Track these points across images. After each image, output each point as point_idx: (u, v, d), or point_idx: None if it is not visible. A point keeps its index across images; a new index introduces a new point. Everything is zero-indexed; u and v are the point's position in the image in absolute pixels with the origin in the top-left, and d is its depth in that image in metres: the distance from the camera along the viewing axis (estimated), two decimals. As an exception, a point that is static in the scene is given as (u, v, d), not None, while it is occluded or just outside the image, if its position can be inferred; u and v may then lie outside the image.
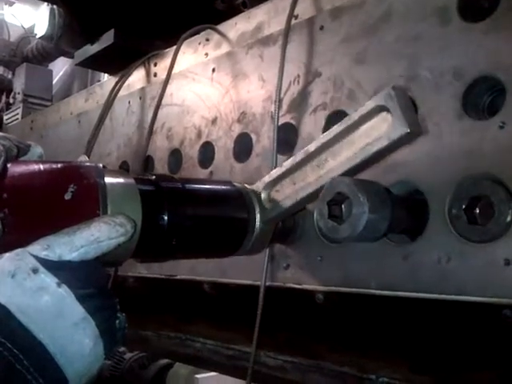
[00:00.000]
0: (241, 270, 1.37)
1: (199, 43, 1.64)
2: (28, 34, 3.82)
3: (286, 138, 1.28)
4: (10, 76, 3.48)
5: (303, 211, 1.21)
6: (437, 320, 1.03)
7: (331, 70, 1.21)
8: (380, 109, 0.88)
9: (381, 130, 0.88)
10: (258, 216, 1.08)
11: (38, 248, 0.71)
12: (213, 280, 1.45)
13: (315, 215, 0.93)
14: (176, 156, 1.64)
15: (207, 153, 1.52)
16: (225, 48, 1.54)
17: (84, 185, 0.79)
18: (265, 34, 1.39)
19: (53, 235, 0.73)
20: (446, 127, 0.96)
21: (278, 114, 1.28)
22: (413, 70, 1.02)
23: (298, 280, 1.22)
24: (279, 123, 1.29)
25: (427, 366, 1.07)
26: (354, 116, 0.92)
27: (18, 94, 3.12)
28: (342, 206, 0.92)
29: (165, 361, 4.37)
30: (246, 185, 1.12)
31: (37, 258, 0.70)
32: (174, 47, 1.72)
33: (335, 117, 1.17)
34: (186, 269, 1.54)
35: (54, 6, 2.74)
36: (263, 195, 1.09)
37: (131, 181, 0.90)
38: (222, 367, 1.72)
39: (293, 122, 1.28)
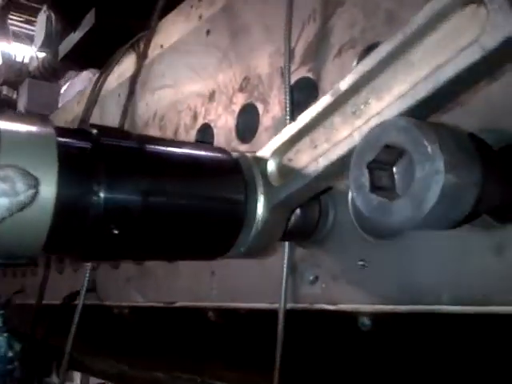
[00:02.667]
0: (253, 289, 1.00)
1: (191, 6, 1.31)
2: (33, 51, 3.57)
3: (304, 99, 0.91)
4: (15, 96, 3.25)
5: (332, 193, 0.83)
6: None
7: (359, -8, 0.84)
8: (464, 0, 0.50)
9: (465, 36, 0.50)
10: (261, 198, 0.71)
11: None
12: (218, 306, 1.07)
13: (350, 189, 0.56)
14: (170, 149, 1.29)
15: (206, 137, 1.16)
16: (220, 2, 1.19)
17: None
18: (267, -31, 1.04)
19: None
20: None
21: (290, 67, 0.92)
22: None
23: (331, 298, 0.84)
24: (292, 80, 0.93)
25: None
26: (414, 22, 0.54)
27: (21, 112, 2.88)
28: (394, 170, 0.54)
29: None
30: (247, 153, 0.76)
31: None
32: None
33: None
34: (186, 293, 1.18)
35: (51, 13, 2.50)
36: (270, 167, 0.72)
37: (48, 130, 0.56)
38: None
39: (311, 75, 0.92)
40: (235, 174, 0.72)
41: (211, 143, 1.14)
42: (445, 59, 0.51)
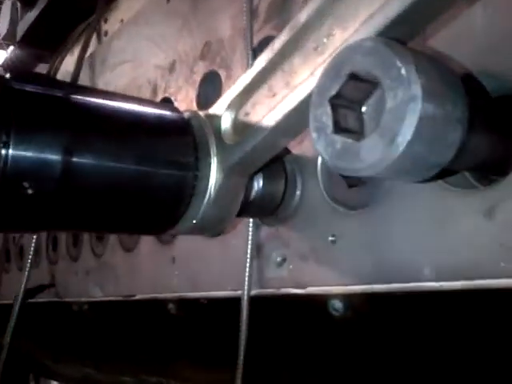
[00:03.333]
0: (215, 275, 0.90)
1: (152, -26, 1.20)
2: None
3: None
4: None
5: (300, 161, 0.74)
6: None
7: None
8: None
9: None
10: (214, 160, 0.61)
11: None
12: (178, 296, 0.97)
13: (312, 135, 0.46)
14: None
15: (165, 113, 1.06)
16: (182, -35, 1.09)
17: None
18: None
19: None
20: None
21: (251, 27, 0.83)
22: None
23: (299, 281, 0.74)
24: (255, 41, 0.83)
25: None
26: None
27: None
28: (364, 110, 0.45)
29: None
30: (200, 112, 0.66)
31: None
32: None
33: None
34: (146, 284, 1.07)
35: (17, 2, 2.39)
36: (224, 124, 0.62)
37: None
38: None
39: (275, 33, 0.82)
40: (183, 133, 0.62)
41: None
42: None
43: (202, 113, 0.66)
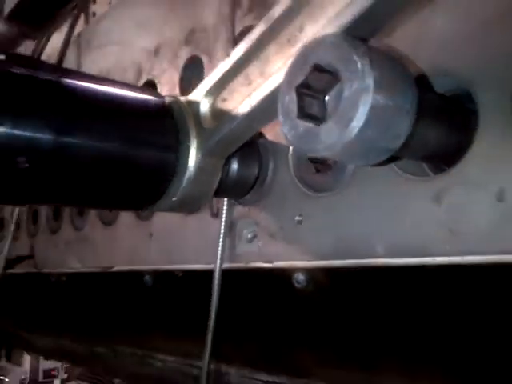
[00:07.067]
0: (191, 250, 0.95)
1: (141, -42, 1.24)
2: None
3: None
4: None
5: (273, 148, 0.79)
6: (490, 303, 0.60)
7: None
8: None
9: None
10: (193, 142, 0.67)
11: None
12: (154, 269, 1.02)
13: (279, 115, 0.51)
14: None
15: (148, 94, 1.11)
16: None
17: None
18: None
19: None
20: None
21: (234, 16, 0.88)
22: None
23: (267, 256, 0.80)
24: (237, 30, 0.88)
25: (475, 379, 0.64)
26: None
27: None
28: (327, 99, 0.50)
29: None
30: (180, 97, 0.71)
31: None
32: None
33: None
34: (124, 257, 1.12)
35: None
36: (203, 109, 0.68)
37: None
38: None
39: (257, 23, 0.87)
40: (165, 116, 0.67)
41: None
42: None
43: (182, 98, 0.71)
